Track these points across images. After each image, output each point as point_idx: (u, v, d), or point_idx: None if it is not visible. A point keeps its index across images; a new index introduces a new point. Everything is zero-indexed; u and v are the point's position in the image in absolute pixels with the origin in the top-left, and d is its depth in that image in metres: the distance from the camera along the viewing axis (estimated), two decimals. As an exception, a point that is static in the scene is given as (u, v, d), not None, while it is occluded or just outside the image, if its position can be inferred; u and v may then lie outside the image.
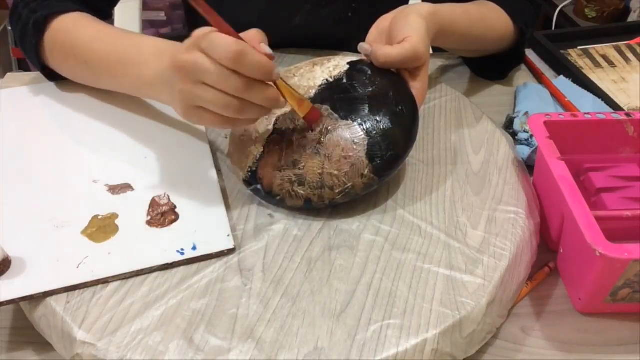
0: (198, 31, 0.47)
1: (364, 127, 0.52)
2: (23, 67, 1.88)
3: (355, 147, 0.51)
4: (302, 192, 0.52)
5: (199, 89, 0.47)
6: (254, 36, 0.49)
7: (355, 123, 0.52)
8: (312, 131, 0.52)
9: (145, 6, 1.66)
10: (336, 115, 0.53)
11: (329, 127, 0.52)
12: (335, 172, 0.51)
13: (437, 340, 0.44)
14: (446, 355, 0.45)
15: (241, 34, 0.48)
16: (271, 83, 0.49)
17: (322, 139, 0.52)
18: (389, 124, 0.52)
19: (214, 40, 0.45)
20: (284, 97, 0.50)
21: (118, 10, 1.08)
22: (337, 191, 0.51)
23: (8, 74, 0.79)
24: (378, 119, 0.52)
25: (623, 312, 0.52)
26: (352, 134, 0.52)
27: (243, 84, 0.46)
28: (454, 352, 0.45)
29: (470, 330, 0.46)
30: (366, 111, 0.53)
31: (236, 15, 0.77)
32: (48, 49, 0.65)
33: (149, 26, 1.83)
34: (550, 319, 0.52)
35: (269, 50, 0.48)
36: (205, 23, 0.47)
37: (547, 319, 0.52)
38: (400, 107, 0.53)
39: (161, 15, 1.84)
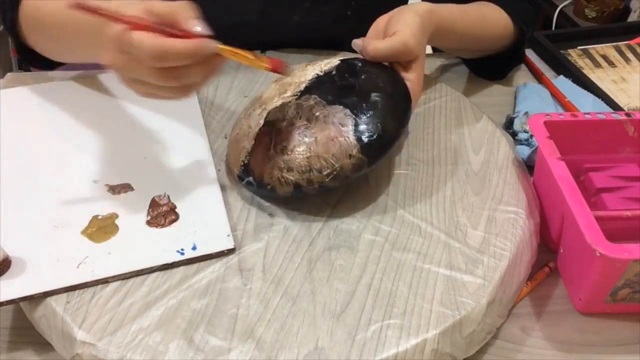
0: (110, 31, 0.46)
1: (352, 109, 0.52)
2: (23, 67, 1.88)
3: (342, 128, 0.51)
4: (291, 177, 0.52)
5: (138, 83, 0.48)
6: (181, 10, 0.47)
7: (342, 106, 0.52)
8: (285, 77, 0.51)
9: (145, 6, 1.66)
10: (324, 102, 0.53)
11: (317, 113, 0.52)
12: (323, 154, 0.51)
13: (437, 340, 0.44)
14: (446, 355, 0.45)
15: (169, 6, 0.46)
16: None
17: (310, 125, 0.52)
18: (378, 107, 0.52)
19: (132, 43, 0.44)
20: (239, 60, 0.48)
21: None
22: (325, 173, 0.51)
23: (8, 74, 0.78)
24: (366, 102, 0.52)
25: (623, 312, 0.52)
26: (339, 117, 0.52)
27: (176, 74, 0.46)
28: (454, 352, 0.45)
29: (470, 330, 0.46)
30: (354, 96, 0.53)
31: (235, 13, 0.77)
32: (23, 25, 0.66)
33: (149, 26, 1.83)
34: (550, 319, 0.52)
35: (198, 28, 0.46)
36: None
37: (547, 319, 0.52)
38: (389, 91, 0.53)
39: (161, 15, 1.84)
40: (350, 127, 0.51)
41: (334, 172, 0.51)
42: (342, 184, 0.52)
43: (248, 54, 0.48)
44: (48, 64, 0.71)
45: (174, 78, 0.46)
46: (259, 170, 0.53)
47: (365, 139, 0.51)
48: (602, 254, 0.45)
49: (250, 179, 0.54)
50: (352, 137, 0.51)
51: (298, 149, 0.51)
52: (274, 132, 0.53)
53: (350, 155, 0.51)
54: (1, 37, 1.93)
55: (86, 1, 0.46)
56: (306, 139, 0.51)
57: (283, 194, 0.53)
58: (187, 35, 0.46)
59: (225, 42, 0.49)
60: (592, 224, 0.47)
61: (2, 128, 0.63)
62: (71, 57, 0.67)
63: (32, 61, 0.70)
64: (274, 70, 0.49)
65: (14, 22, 0.66)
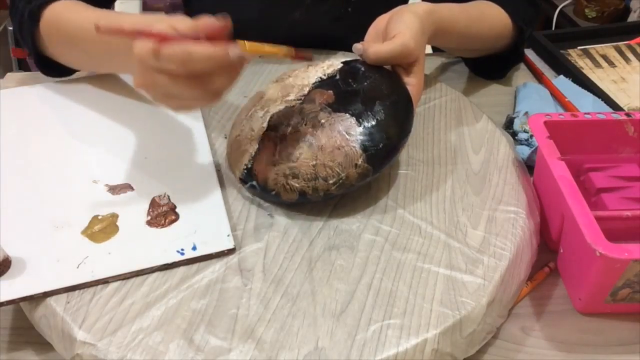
0: (137, 50, 0.46)
1: (357, 118, 0.52)
2: (23, 67, 1.88)
3: (348, 137, 0.51)
4: (296, 184, 0.52)
5: (169, 98, 0.48)
6: (202, 21, 0.47)
7: (348, 114, 0.52)
8: (308, 67, 0.52)
9: (145, 6, 1.67)
10: (329, 109, 0.53)
11: (322, 120, 0.52)
12: (329, 163, 0.51)
13: (437, 340, 0.44)
14: (446, 355, 0.45)
15: (191, 21, 0.47)
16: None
17: (316, 132, 0.52)
18: (382, 115, 0.52)
19: (158, 53, 0.45)
20: (263, 54, 0.50)
21: (118, 11, 1.08)
22: (331, 182, 0.51)
23: (8, 74, 0.79)
24: (371, 110, 0.52)
25: (623, 312, 0.52)
26: (345, 126, 0.52)
27: (202, 80, 0.46)
28: (454, 352, 0.45)
29: (470, 330, 0.46)
30: (359, 103, 0.53)
31: (236, 11, 0.77)
32: (45, 38, 0.65)
33: (149, 26, 1.83)
34: (550, 319, 0.52)
35: (216, 23, 0.47)
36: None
37: (547, 319, 0.52)
38: (393, 99, 0.53)
39: (161, 15, 1.84)
40: (356, 136, 0.51)
41: (340, 181, 0.51)
42: (346, 192, 0.53)
43: (272, 47, 0.50)
44: (67, 72, 0.70)
45: (201, 85, 0.47)
46: (263, 175, 0.53)
47: (371, 148, 0.51)
48: (602, 254, 0.45)
49: (254, 183, 0.54)
50: (358, 146, 0.51)
51: (304, 157, 0.51)
52: (279, 137, 0.53)
53: (356, 165, 0.51)
54: (1, 37, 1.93)
55: (109, 24, 0.46)
56: (312, 147, 0.51)
57: (288, 200, 0.53)
58: (211, 42, 0.46)
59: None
60: (592, 224, 0.47)
61: (2, 128, 0.63)
62: (101, 70, 0.69)
63: (52, 72, 0.69)
64: (298, 58, 0.51)
65: (34, 36, 0.65)
